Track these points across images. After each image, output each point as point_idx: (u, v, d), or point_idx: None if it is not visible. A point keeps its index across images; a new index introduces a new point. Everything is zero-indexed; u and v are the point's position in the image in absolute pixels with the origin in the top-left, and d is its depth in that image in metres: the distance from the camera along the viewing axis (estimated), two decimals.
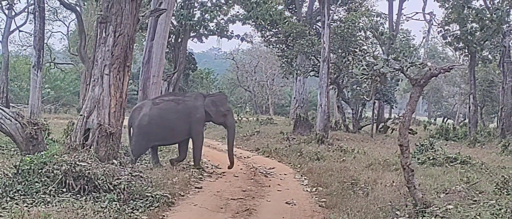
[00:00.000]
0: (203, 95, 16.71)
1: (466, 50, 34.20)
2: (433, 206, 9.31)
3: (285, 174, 16.31)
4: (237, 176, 15.42)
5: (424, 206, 9.29)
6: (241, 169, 17.02)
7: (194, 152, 16.05)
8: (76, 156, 10.71)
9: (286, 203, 11.79)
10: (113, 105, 12.38)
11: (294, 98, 42.88)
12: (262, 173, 16.21)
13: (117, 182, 10.18)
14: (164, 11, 17.04)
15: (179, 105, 15.84)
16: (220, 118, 16.37)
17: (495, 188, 11.01)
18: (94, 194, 9.79)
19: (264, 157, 20.67)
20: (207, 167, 16.44)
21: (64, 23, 55.75)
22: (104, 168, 10.45)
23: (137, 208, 9.66)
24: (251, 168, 17.24)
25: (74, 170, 9.95)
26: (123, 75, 12.58)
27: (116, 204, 9.44)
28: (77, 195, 9.65)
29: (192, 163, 16.02)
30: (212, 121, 16.94)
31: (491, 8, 33.47)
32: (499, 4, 33.48)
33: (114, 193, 9.84)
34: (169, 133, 15.51)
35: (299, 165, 17.72)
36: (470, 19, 32.53)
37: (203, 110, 15.90)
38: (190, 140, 16.03)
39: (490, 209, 8.97)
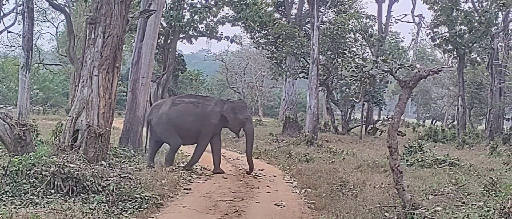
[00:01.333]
0: (223, 101, 16.83)
1: (455, 52, 34.40)
2: (422, 208, 9.33)
3: (274, 176, 16.31)
4: (226, 178, 15.41)
5: (413, 207, 9.32)
6: (230, 170, 17.01)
7: (194, 154, 16.22)
8: (65, 157, 10.66)
9: (275, 204, 11.79)
10: (102, 106, 12.34)
11: (284, 99, 42.97)
12: (251, 174, 16.20)
13: (105, 184, 10.15)
14: (154, 12, 16.99)
15: (198, 108, 16.06)
16: (237, 125, 16.42)
17: (484, 190, 11.07)
18: (82, 195, 9.76)
19: (253, 158, 20.69)
20: (196, 168, 16.39)
21: (53, 24, 55.80)
22: (93, 170, 10.42)
23: (126, 209, 9.63)
24: (240, 169, 17.24)
25: (62, 172, 9.91)
26: (112, 76, 12.54)
27: (104, 206, 9.41)
28: (66, 197, 9.61)
29: (182, 164, 16.06)
30: (229, 128, 16.86)
31: (479, 11, 33.66)
32: (488, 7, 33.67)
33: (103, 195, 9.81)
34: (185, 134, 15.87)
35: (288, 167, 17.74)
36: (458, 21, 32.71)
37: (219, 116, 15.98)
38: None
39: (478, 211, 9.01)
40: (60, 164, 10.06)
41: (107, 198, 9.73)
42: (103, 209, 9.28)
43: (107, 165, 11.66)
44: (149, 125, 16.18)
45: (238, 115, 16.16)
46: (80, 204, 9.24)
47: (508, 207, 8.28)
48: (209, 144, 16.35)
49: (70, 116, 12.57)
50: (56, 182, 9.81)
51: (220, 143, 16.62)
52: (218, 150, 16.36)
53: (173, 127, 15.70)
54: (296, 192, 13.70)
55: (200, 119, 15.85)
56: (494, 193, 10.49)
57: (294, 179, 15.65)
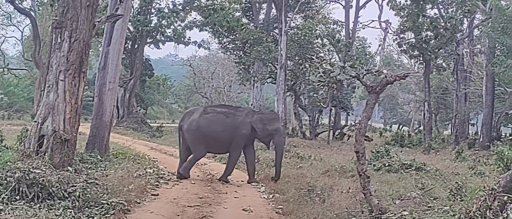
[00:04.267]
0: (253, 111, 16.93)
1: (421, 58, 34.76)
2: (389, 213, 9.40)
3: (242, 181, 16.32)
4: (194, 183, 15.36)
5: (380, 212, 9.38)
6: (198, 176, 16.96)
7: (228, 165, 16.37)
8: (30, 163, 10.55)
9: (243, 210, 11.78)
10: (68, 111, 12.21)
11: (251, 104, 42.90)
12: (219, 180, 16.17)
13: (72, 189, 10.03)
14: (121, 17, 16.87)
15: (228, 118, 16.16)
16: (266, 136, 16.36)
17: (449, 194, 11.16)
18: (48, 201, 9.62)
19: (221, 163, 20.62)
20: (164, 174, 16.32)
21: (18, 28, 55.26)
22: (59, 175, 10.29)
23: (92, 215, 9.52)
24: (208, 174, 17.20)
25: (27, 177, 9.77)
26: (78, 81, 12.42)
27: (71, 212, 9.29)
28: (31, 203, 9.47)
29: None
30: (258, 139, 16.82)
31: (445, 17, 34.10)
32: (453, 13, 34.10)
33: (69, 201, 9.69)
34: (213, 143, 16.07)
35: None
36: (424, 27, 33.08)
37: (250, 126, 16.00)
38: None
39: (444, 215, 9.09)
40: (25, 170, 9.92)
41: (73, 204, 9.61)
42: (69, 215, 9.16)
43: (73, 170, 11.53)
44: (180, 131, 16.51)
45: (266, 126, 16.12)
46: (46, 211, 9.11)
47: (473, 211, 8.36)
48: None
49: (35, 121, 12.42)
50: (21, 188, 9.67)
51: (254, 154, 16.68)
52: (252, 160, 16.43)
53: (201, 135, 15.87)
54: (264, 197, 13.71)
55: (230, 129, 15.92)
56: (459, 198, 10.58)
57: (262, 184, 15.66)
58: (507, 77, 25.83)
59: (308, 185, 14.08)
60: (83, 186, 10.33)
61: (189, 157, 16.36)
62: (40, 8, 44.45)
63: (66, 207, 9.44)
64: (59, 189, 9.89)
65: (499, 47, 27.88)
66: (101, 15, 21.01)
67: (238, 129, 15.93)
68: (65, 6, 12.35)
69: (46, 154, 11.79)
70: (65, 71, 12.19)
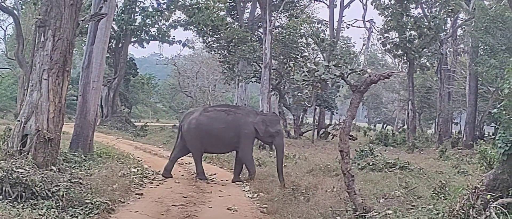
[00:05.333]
0: (255, 112, 16.89)
1: (405, 57, 34.93)
2: (373, 211, 9.44)
3: (226, 180, 16.31)
4: (178, 182, 15.33)
5: (364, 211, 9.42)
6: (182, 175, 16.94)
7: (248, 166, 16.30)
8: (13, 163, 10.49)
9: (228, 209, 11.78)
10: (51, 111, 12.14)
11: (236, 104, 42.97)
12: (203, 179, 16.15)
13: (55, 189, 9.99)
14: (105, 16, 16.81)
15: (229, 116, 16.18)
16: (267, 138, 16.29)
17: (433, 193, 11.23)
18: (31, 201, 9.58)
19: (205, 163, 20.55)
20: (148, 173, 16.27)
21: (1, 27, 54.82)
22: (42, 175, 10.24)
23: (76, 215, 9.48)
24: (192, 174, 17.17)
25: (11, 177, 9.72)
26: (62, 80, 12.35)
27: (54, 212, 9.25)
28: (14, 202, 9.42)
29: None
30: (259, 139, 16.88)
31: (429, 16, 34.29)
32: (437, 13, 34.30)
33: (52, 200, 9.65)
34: (216, 141, 16.05)
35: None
36: (408, 27, 33.25)
37: (252, 126, 15.97)
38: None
39: (428, 214, 9.14)
40: (9, 170, 9.88)
41: (57, 204, 9.58)
42: (53, 215, 9.12)
43: (57, 170, 11.47)
44: (180, 131, 16.58)
45: (268, 128, 16.08)
46: (29, 210, 9.06)
47: (456, 210, 8.41)
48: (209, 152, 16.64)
49: (18, 121, 12.33)
50: (4, 188, 9.62)
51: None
52: (242, 162, 16.35)
53: (202, 133, 15.90)
54: (248, 197, 13.71)
55: (232, 127, 15.94)
56: (443, 196, 10.65)
57: (247, 183, 15.66)
58: (490, 76, 25.99)
59: (292, 184, 14.12)
60: (67, 185, 10.29)
61: (194, 161, 16.53)
62: (23, 6, 44.15)
63: (49, 206, 9.40)
64: (43, 189, 9.85)
65: (482, 47, 28.05)
66: (85, 13, 20.92)
67: (240, 128, 15.94)
68: (48, 5, 12.28)
69: (30, 153, 11.71)
70: (48, 70, 12.12)
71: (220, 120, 16.01)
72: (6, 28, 55.29)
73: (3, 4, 39.68)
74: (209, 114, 16.25)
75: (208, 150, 16.89)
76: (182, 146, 16.46)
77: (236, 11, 43.02)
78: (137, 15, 39.48)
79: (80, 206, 9.86)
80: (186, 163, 20.05)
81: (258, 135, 16.18)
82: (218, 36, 40.23)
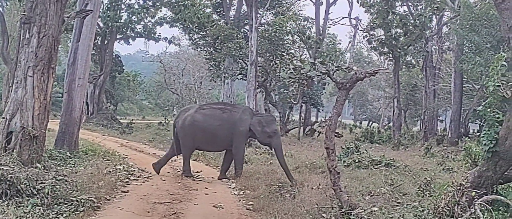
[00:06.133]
0: (252, 112, 16.74)
1: (391, 55, 35.03)
2: (359, 208, 9.47)
3: (212, 178, 16.28)
4: (164, 180, 15.30)
5: (350, 208, 9.45)
6: (168, 172, 16.90)
7: (237, 163, 16.17)
8: None
9: (214, 206, 11.77)
10: (37, 108, 12.08)
11: (222, 101, 42.97)
12: (189, 176, 16.13)
13: (40, 186, 9.95)
14: (90, 13, 16.74)
15: (225, 113, 16.11)
16: (265, 139, 16.14)
17: (418, 190, 11.29)
18: (16, 198, 9.53)
19: (191, 160, 20.58)
20: (134, 170, 16.23)
21: None
22: (27, 172, 10.20)
23: (61, 212, 9.45)
24: (178, 171, 17.14)
25: None
26: (47, 77, 12.29)
27: (39, 209, 9.22)
28: None
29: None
30: (257, 140, 16.86)
31: (414, 14, 34.40)
32: (422, 10, 34.42)
33: (37, 198, 9.61)
34: (210, 139, 15.95)
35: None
36: (394, 24, 33.34)
37: (248, 125, 15.91)
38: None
39: (413, 211, 9.18)
40: None
41: (42, 202, 9.54)
42: (38, 212, 9.08)
43: (42, 167, 11.41)
44: (175, 128, 16.52)
45: (265, 128, 15.99)
46: (14, 208, 9.02)
47: (441, 207, 8.46)
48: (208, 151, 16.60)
49: (3, 118, 12.26)
50: None
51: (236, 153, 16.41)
52: (230, 159, 16.31)
53: (196, 130, 15.87)
54: (234, 194, 13.71)
55: (227, 124, 15.88)
56: (428, 193, 10.70)
57: (233, 180, 15.65)
58: (475, 74, 26.09)
59: (278, 182, 14.16)
60: (52, 183, 10.25)
61: (183, 158, 16.49)
62: (8, 2, 43.86)
63: (34, 204, 9.36)
64: (28, 186, 9.80)
65: (467, 44, 28.14)
66: (71, 10, 20.82)
67: (235, 125, 15.88)
68: (33, 1, 12.21)
69: (15, 150, 11.65)
70: (33, 67, 12.05)
71: (215, 118, 15.97)
72: None
73: None
74: (204, 111, 16.20)
75: (201, 147, 16.89)
76: (178, 143, 16.43)
77: (222, 8, 42.96)
78: (122, 12, 39.38)
79: (66, 204, 9.82)
80: (172, 160, 20.01)
81: (254, 136, 16.19)
82: (204, 33, 40.16)
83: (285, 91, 35.04)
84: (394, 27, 34.40)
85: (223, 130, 15.83)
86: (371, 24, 37.26)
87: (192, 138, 15.93)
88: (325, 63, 10.38)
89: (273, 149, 16.41)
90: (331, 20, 53.21)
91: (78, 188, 10.78)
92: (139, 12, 38.77)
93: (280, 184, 14.07)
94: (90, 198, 10.37)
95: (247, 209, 11.68)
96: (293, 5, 48.16)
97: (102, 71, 40.13)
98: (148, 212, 10.71)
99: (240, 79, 38.20)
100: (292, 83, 10.74)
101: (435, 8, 34.03)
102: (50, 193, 9.79)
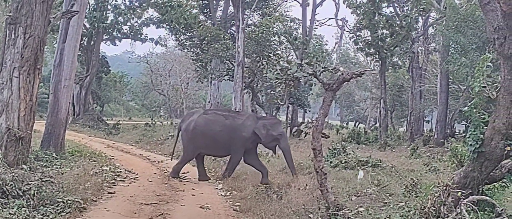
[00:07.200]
0: (256, 117, 16.71)
1: (377, 56, 35.08)
2: (345, 209, 9.50)
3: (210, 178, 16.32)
4: (151, 181, 15.28)
5: (337, 208, 9.48)
6: (155, 173, 16.88)
7: (229, 165, 16.21)
8: None
9: (200, 207, 11.78)
10: (22, 109, 12.02)
11: (209, 102, 42.83)
12: (175, 177, 16.12)
13: (26, 188, 9.90)
14: (76, 13, 16.68)
15: (227, 120, 16.10)
16: (271, 142, 16.05)
17: (405, 191, 11.31)
18: (2, 200, 9.47)
19: (176, 160, 20.59)
20: (120, 171, 16.19)
21: None
22: (13, 174, 10.14)
23: (47, 214, 9.41)
24: (165, 172, 17.12)
25: None
26: (33, 78, 12.24)
27: (25, 211, 9.17)
28: None
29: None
30: (262, 144, 16.51)
31: (400, 15, 34.50)
32: (409, 11, 34.53)
33: (23, 199, 9.56)
34: (212, 144, 15.97)
35: (213, 170, 17.74)
36: (380, 25, 33.39)
37: (251, 130, 15.78)
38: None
39: (399, 211, 9.21)
40: None
41: (28, 203, 9.49)
42: (24, 214, 9.04)
43: (28, 169, 11.36)
44: (179, 132, 16.72)
45: (270, 132, 15.90)
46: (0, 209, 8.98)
47: (428, 207, 8.49)
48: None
49: None
50: None
51: (257, 159, 16.32)
52: (258, 164, 16.07)
53: (198, 135, 15.88)
54: (221, 195, 13.72)
55: (229, 131, 15.83)
56: (415, 194, 10.73)
57: (219, 181, 15.66)
58: (461, 75, 26.21)
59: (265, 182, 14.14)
60: (38, 184, 10.20)
61: (180, 158, 16.64)
62: None
63: (20, 205, 9.31)
64: (13, 188, 9.75)
65: (453, 45, 28.28)
66: (57, 11, 20.72)
67: (237, 132, 15.81)
68: (19, 2, 12.15)
69: (0, 152, 11.60)
70: (19, 67, 12.00)
71: (217, 124, 15.95)
72: None
73: None
74: (207, 116, 16.20)
75: (204, 152, 16.72)
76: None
77: (209, 9, 42.90)
78: (109, 13, 39.31)
79: (52, 205, 9.78)
80: (158, 162, 20.01)
81: (259, 140, 16.00)
82: (191, 34, 40.10)
83: (272, 92, 35.04)
84: (380, 28, 34.46)
85: (224, 136, 15.81)
86: (358, 25, 37.35)
87: (193, 143, 15.95)
88: (312, 64, 10.40)
89: (282, 152, 16.25)
90: (317, 21, 53.37)
91: (64, 189, 10.74)
92: (126, 13, 38.71)
93: (266, 184, 14.08)
94: (76, 200, 10.35)
95: (234, 210, 11.69)
96: (280, 6, 48.24)
97: (88, 72, 40.01)
98: (135, 213, 10.69)
99: (227, 80, 38.12)
100: (279, 84, 10.76)
101: (421, 9, 34.15)
102: (36, 195, 9.75)
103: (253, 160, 16.14)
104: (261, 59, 34.15)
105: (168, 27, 40.89)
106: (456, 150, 13.08)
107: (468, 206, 8.25)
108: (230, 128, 15.87)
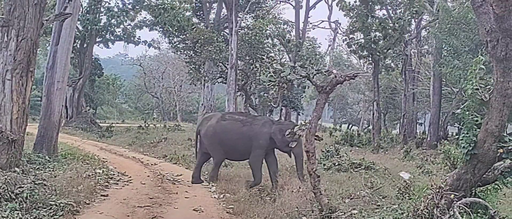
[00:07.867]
0: (271, 122, 16.44)
1: (370, 58, 35.06)
2: (339, 211, 9.51)
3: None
4: (144, 183, 15.26)
5: (330, 211, 9.47)
6: (148, 176, 16.85)
7: (254, 173, 15.70)
8: None
9: (194, 210, 11.77)
10: (15, 111, 11.99)
11: (202, 104, 42.79)
12: (169, 180, 16.10)
13: (19, 191, 9.87)
14: (69, 16, 16.64)
15: (245, 127, 15.92)
16: (286, 147, 15.67)
17: (398, 193, 11.34)
18: None
19: (171, 164, 20.57)
20: (113, 174, 16.16)
21: None
22: (6, 176, 10.12)
23: (40, 217, 9.40)
24: (158, 175, 17.10)
25: None
26: (26, 80, 12.21)
27: (18, 214, 9.16)
28: None
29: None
30: (278, 149, 16.27)
31: (393, 18, 34.52)
32: (402, 14, 34.55)
33: (16, 202, 9.54)
34: (230, 150, 15.99)
35: (206, 172, 17.72)
36: (373, 28, 33.37)
37: (268, 137, 15.56)
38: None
39: (392, 213, 9.22)
40: None
41: (21, 206, 9.47)
42: (16, 217, 9.03)
43: (21, 171, 11.34)
44: (198, 135, 16.71)
45: (286, 137, 15.80)
46: None
47: (421, 209, 8.50)
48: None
49: None
50: None
51: (275, 162, 16.08)
52: (273, 171, 15.79)
53: (218, 141, 15.90)
54: (214, 197, 13.72)
55: (245, 138, 15.67)
56: (408, 196, 10.75)
57: (213, 184, 15.64)
58: (454, 77, 26.27)
59: (258, 185, 14.14)
60: (31, 187, 10.18)
61: (213, 164, 16.62)
62: None
63: (13, 208, 9.29)
64: (6, 191, 9.72)
65: (446, 48, 28.36)
66: (49, 13, 20.69)
67: (254, 139, 15.63)
68: (12, 4, 12.13)
69: None
70: (12, 70, 11.97)
71: (234, 131, 15.84)
72: None
73: None
74: (225, 123, 16.14)
75: (227, 157, 16.82)
76: (204, 150, 16.52)
77: (202, 12, 42.86)
78: (102, 15, 39.18)
79: (44, 208, 9.76)
80: (152, 164, 19.98)
81: (275, 144, 15.78)
82: (184, 36, 40.01)
83: (265, 95, 35.00)
84: (373, 30, 34.44)
85: (242, 143, 15.70)
86: (351, 27, 37.30)
87: (217, 146, 16.05)
88: (305, 66, 10.41)
89: (295, 157, 15.87)
90: (311, 23, 53.41)
91: (57, 192, 10.72)
92: (119, 15, 38.60)
93: (260, 187, 14.08)
94: (69, 202, 10.33)
95: (227, 212, 11.69)
96: (273, 8, 48.21)
97: (81, 74, 39.88)
98: (128, 216, 10.68)
99: (220, 82, 38.06)
100: (272, 87, 10.75)
101: (414, 12, 34.15)
102: (29, 197, 9.73)
103: (270, 165, 15.94)
104: (255, 61, 34.14)
105: (161, 29, 40.81)
106: (449, 153, 13.12)
107: (461, 208, 8.26)
108: (247, 136, 15.71)
